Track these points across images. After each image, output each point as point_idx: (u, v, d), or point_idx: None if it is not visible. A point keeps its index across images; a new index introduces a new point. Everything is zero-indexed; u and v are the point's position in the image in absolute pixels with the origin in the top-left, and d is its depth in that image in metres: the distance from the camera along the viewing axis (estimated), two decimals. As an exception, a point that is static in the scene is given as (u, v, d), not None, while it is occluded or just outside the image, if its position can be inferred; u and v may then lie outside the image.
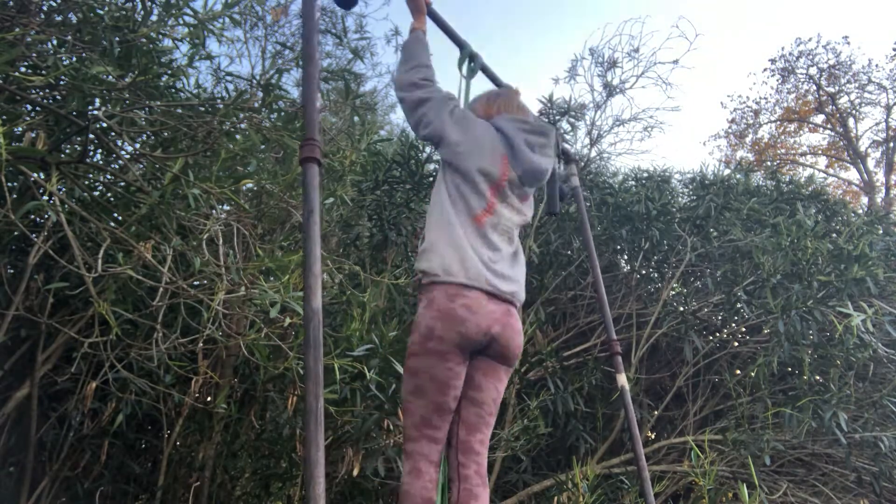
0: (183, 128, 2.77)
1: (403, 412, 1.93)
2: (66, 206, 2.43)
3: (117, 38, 2.65)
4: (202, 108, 2.90)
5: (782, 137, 16.24)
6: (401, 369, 2.82)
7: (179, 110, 2.79)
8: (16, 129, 2.52)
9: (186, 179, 2.50)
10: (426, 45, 2.19)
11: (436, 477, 1.86)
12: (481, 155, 2.00)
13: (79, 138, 2.60)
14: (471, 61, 2.54)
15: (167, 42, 2.90)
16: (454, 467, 1.93)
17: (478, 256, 1.93)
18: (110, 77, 2.56)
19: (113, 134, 2.66)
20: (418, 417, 1.88)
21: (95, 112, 2.50)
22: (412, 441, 1.88)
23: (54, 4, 2.71)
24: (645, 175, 5.69)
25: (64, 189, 2.65)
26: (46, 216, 2.49)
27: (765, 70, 16.11)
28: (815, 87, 14.93)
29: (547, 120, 5.25)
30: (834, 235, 4.96)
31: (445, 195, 2.00)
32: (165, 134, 2.88)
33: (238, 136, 2.96)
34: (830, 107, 14.92)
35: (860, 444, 4.10)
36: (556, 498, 3.72)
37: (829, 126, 15.45)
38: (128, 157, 2.80)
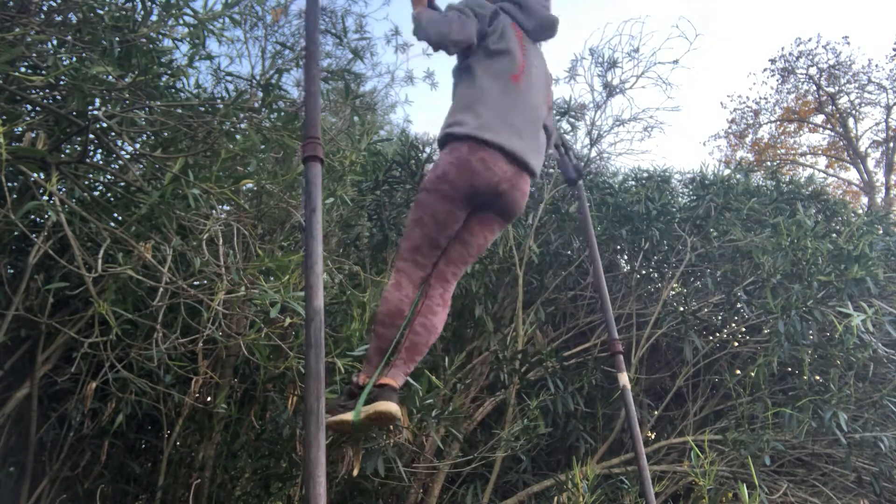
0: (183, 128, 2.77)
1: (403, 236, 2.18)
2: (66, 206, 2.43)
3: (117, 38, 2.65)
4: (202, 108, 2.90)
5: (782, 137, 16.24)
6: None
7: (179, 110, 2.79)
8: (16, 129, 2.52)
9: (186, 179, 2.50)
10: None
11: (412, 295, 2.13)
12: (503, 37, 2.22)
13: (79, 138, 2.60)
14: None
15: (167, 42, 2.91)
16: (424, 289, 2.19)
17: (504, 118, 2.10)
18: (110, 77, 2.55)
19: (113, 134, 2.66)
20: (412, 244, 2.13)
21: (95, 112, 2.50)
22: (403, 261, 2.15)
23: (54, 4, 2.70)
24: (645, 175, 5.69)
25: (64, 189, 2.65)
26: (46, 216, 2.49)
27: (765, 70, 16.13)
28: (815, 88, 14.92)
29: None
30: (834, 235, 4.95)
31: (477, 71, 2.17)
32: (165, 134, 2.88)
33: (238, 136, 2.96)
34: (830, 107, 14.91)
35: (860, 444, 4.09)
36: (556, 498, 3.71)
37: (829, 126, 15.44)
38: (128, 157, 2.80)
